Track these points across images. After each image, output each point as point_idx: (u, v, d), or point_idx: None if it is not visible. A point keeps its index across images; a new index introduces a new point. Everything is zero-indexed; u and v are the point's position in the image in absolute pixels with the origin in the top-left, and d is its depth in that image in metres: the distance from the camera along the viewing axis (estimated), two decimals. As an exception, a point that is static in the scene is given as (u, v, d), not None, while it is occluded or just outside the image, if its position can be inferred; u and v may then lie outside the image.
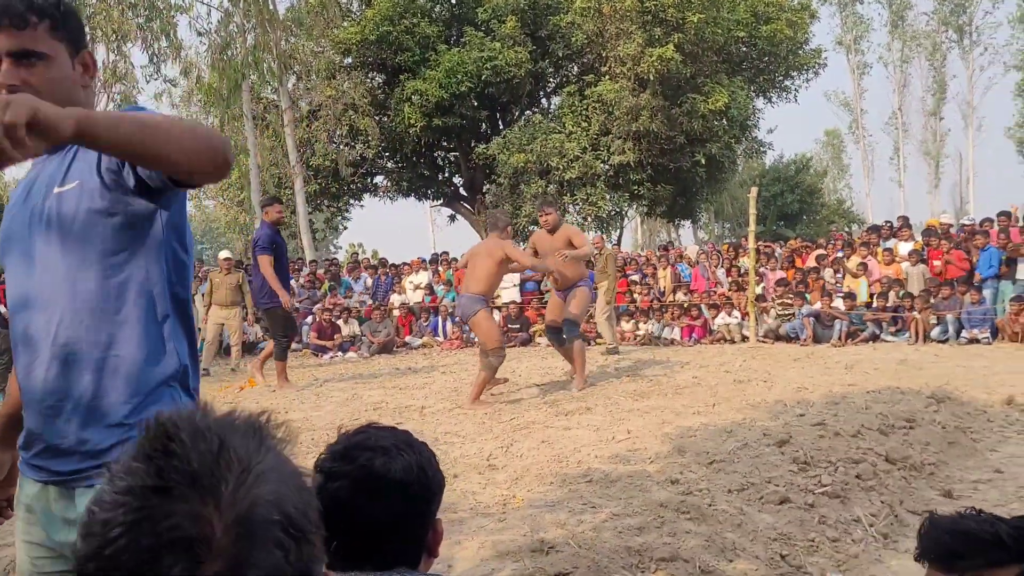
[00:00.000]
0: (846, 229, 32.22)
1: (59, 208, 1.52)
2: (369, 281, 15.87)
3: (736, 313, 12.71)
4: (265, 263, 7.77)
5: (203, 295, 11.44)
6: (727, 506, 3.84)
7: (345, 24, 20.66)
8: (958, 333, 11.21)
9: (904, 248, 12.75)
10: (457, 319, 7.03)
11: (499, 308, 14.35)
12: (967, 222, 13.36)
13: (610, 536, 3.42)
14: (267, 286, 7.84)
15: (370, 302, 14.88)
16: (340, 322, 13.77)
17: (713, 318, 12.96)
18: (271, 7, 16.49)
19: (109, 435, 1.50)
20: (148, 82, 13.18)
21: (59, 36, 1.55)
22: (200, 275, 12.94)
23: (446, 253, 17.20)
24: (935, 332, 11.36)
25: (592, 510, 3.81)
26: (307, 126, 19.84)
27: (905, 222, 13.72)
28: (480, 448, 5.21)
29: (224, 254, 11.87)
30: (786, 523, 3.73)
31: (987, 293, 11.46)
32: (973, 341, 11.00)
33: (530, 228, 21.12)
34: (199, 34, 15.17)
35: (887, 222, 14.34)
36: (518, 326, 13.86)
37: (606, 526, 3.58)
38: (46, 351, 1.52)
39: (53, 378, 1.51)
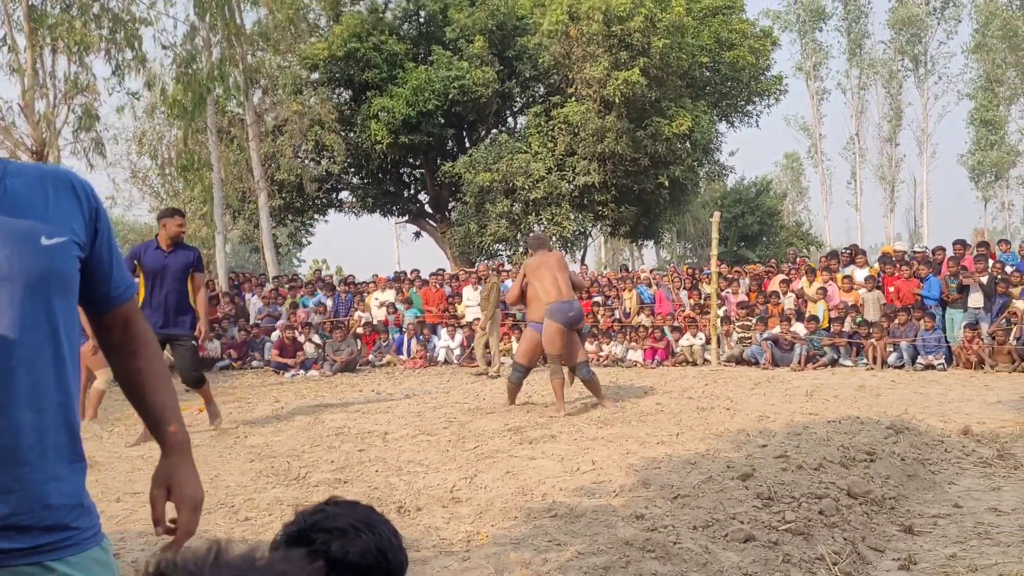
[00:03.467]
0: (804, 252, 32.76)
1: None
2: (327, 302, 15.60)
3: (701, 335, 12.81)
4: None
5: None
6: (692, 544, 3.84)
7: (312, 40, 20.57)
8: (913, 359, 11.42)
9: (860, 275, 12.97)
10: (568, 320, 7.50)
11: (462, 326, 14.31)
12: (920, 249, 13.63)
13: (576, 576, 3.39)
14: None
15: (324, 319, 14.71)
16: (303, 339, 13.62)
17: (676, 340, 13.04)
18: (238, 21, 16.34)
19: None
20: (111, 94, 12.91)
21: None
22: None
23: (416, 271, 17.04)
24: (891, 358, 11.56)
25: (558, 548, 3.79)
26: (272, 141, 19.65)
27: (860, 251, 13.98)
28: (444, 479, 5.16)
29: None
30: (751, 562, 3.74)
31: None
32: (929, 367, 11.22)
33: (494, 247, 21.15)
34: (164, 47, 14.94)
35: (846, 249, 14.60)
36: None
37: (571, 565, 3.56)
38: None
39: None
